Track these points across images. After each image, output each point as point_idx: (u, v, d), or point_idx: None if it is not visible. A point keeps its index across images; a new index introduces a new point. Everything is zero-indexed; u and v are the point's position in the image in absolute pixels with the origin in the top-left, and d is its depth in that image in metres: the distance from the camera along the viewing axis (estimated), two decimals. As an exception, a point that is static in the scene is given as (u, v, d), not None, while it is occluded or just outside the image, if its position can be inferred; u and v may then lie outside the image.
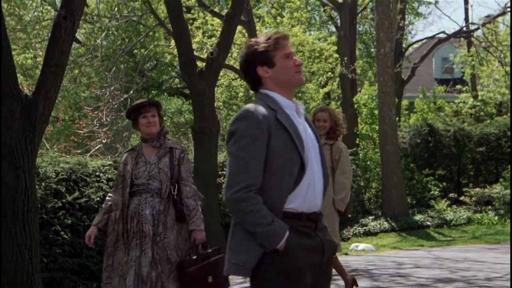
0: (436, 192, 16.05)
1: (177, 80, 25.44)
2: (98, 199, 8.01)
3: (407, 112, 19.24)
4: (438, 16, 63.75)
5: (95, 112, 15.33)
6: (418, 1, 30.70)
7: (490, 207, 15.30)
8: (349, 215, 7.46)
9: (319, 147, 2.99)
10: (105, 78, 17.04)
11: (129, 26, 19.46)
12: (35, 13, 20.34)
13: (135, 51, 22.05)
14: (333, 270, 5.66)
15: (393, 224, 14.00)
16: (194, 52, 13.15)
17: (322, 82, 21.11)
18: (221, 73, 17.18)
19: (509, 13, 19.54)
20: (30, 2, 20.88)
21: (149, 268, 4.68)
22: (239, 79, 19.63)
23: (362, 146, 17.69)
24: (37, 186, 6.68)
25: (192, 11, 20.39)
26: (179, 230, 4.81)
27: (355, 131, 17.73)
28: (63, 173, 7.94)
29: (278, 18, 21.43)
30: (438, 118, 18.22)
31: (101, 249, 5.37)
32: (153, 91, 24.86)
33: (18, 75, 6.66)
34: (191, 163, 5.07)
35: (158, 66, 24.38)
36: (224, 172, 12.61)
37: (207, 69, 10.75)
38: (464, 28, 21.23)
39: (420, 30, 66.04)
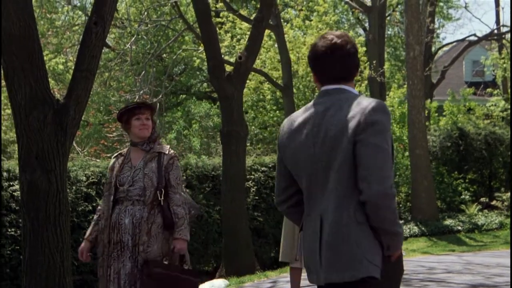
0: (467, 197, 15.85)
1: (205, 84, 25.55)
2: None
3: (437, 114, 19.03)
4: (468, 19, 63.07)
5: (125, 116, 15.45)
6: (448, 4, 30.41)
7: (522, 211, 15.06)
8: None
9: None
10: (134, 82, 17.18)
11: (158, 30, 19.60)
12: (66, 18, 20.60)
13: (164, 55, 22.20)
14: None
15: (423, 228, 13.86)
16: (223, 56, 13.19)
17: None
18: (249, 76, 17.20)
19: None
20: (61, 7, 21.15)
21: (127, 282, 4.38)
22: (267, 82, 19.63)
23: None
24: (68, 190, 6.74)
25: (221, 15, 20.47)
26: (167, 238, 4.47)
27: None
28: (93, 177, 8.02)
29: (307, 21, 21.40)
30: (469, 122, 17.98)
31: None
32: (181, 95, 25.01)
33: (49, 80, 6.75)
34: (180, 169, 4.69)
35: (187, 70, 24.52)
36: (252, 176, 12.61)
37: (235, 73, 10.77)
38: (495, 31, 20.96)
39: (450, 33, 65.41)
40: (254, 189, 12.54)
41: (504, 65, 22.49)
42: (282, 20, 17.94)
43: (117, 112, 4.80)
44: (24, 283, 6.14)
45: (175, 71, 24.22)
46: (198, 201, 12.01)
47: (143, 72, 16.35)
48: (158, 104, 16.05)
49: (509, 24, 21.95)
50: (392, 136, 3.24)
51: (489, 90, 23.83)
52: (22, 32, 6.01)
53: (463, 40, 21.87)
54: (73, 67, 6.80)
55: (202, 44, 13.35)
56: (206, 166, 12.64)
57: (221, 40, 18.53)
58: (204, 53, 12.18)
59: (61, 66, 22.43)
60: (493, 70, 24.40)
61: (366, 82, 20.17)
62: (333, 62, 2.79)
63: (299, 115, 2.86)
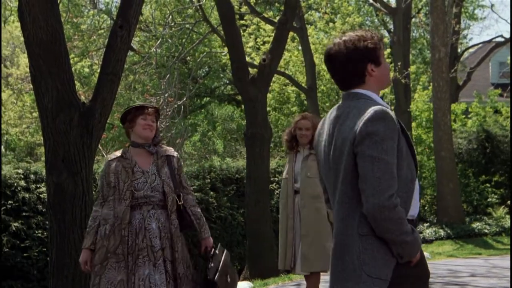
0: (494, 199, 15.66)
1: (229, 87, 25.61)
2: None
3: (464, 116, 18.84)
4: (495, 20, 62.36)
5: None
6: (473, 4, 30.12)
7: (550, 215, 14.84)
8: None
9: None
10: (159, 85, 17.29)
11: (183, 33, 19.70)
12: (92, 22, 20.81)
13: (188, 58, 22.31)
14: None
15: (449, 231, 13.73)
16: (247, 58, 13.21)
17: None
18: (273, 78, 17.21)
19: None
20: (87, 11, 21.38)
21: (165, 286, 4.32)
22: (291, 84, 19.62)
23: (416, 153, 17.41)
24: (94, 192, 6.82)
25: (245, 18, 20.51)
26: (183, 240, 4.52)
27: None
28: (118, 179, 8.05)
29: (330, 23, 21.35)
30: (496, 124, 17.77)
31: None
32: (205, 98, 25.10)
33: (75, 83, 6.82)
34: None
35: (211, 73, 24.60)
36: (276, 179, 12.60)
37: (259, 75, 10.78)
38: (522, 31, 20.69)
39: (476, 34, 64.78)
40: (278, 192, 12.53)
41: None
42: (305, 22, 17.90)
43: (124, 111, 4.66)
44: (51, 284, 6.21)
45: (199, 73, 24.32)
46: (222, 203, 12.06)
47: (168, 75, 16.44)
48: (182, 107, 16.12)
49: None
50: (413, 139, 3.19)
51: (516, 91, 23.54)
52: (49, 37, 6.09)
53: (489, 41, 21.63)
54: (98, 70, 6.87)
55: (226, 47, 13.39)
56: (230, 169, 12.67)
57: (245, 42, 18.56)
58: (228, 55, 12.22)
59: (86, 69, 22.67)
60: (520, 72, 24.10)
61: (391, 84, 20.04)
62: (334, 70, 2.81)
63: (325, 118, 2.88)
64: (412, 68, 20.16)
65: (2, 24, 21.73)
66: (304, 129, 5.88)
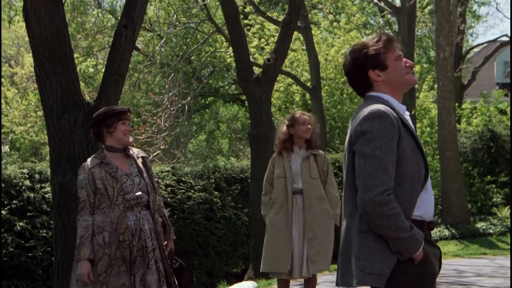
0: (499, 199, 15.62)
1: (233, 86, 25.62)
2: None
3: (471, 115, 18.81)
4: (500, 19, 62.15)
5: (154, 118, 15.59)
6: (478, 3, 30.05)
7: (556, 215, 14.79)
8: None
9: None
10: (164, 84, 17.31)
11: (187, 33, 19.71)
12: (96, 21, 20.84)
13: (192, 57, 22.32)
14: None
15: (453, 231, 13.70)
16: (251, 58, 13.21)
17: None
18: (278, 78, 17.20)
19: None
20: (92, 10, 21.41)
21: (157, 287, 4.38)
22: (295, 84, 19.61)
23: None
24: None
25: (249, 18, 20.50)
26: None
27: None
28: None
29: (335, 23, 21.33)
30: (501, 123, 17.73)
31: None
32: (210, 97, 25.11)
33: (80, 82, 6.83)
34: None
35: (215, 73, 24.61)
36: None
37: (263, 75, 10.77)
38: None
39: (481, 34, 64.58)
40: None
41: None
42: (310, 22, 17.90)
43: (100, 114, 4.52)
44: (56, 284, 6.23)
45: (204, 73, 24.33)
46: (226, 203, 12.06)
47: (172, 74, 16.45)
48: (186, 106, 16.14)
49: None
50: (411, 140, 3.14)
51: (521, 91, 23.49)
52: (54, 37, 6.10)
53: (494, 40, 21.56)
54: (103, 70, 6.87)
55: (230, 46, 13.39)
56: (235, 168, 12.67)
57: (250, 42, 18.56)
58: (233, 55, 12.22)
59: (91, 69, 22.70)
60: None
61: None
62: (348, 78, 2.93)
63: None
64: (417, 68, 20.12)
65: (7, 24, 21.76)
66: (307, 124, 5.81)
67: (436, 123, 16.94)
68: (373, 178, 2.61)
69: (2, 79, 22.17)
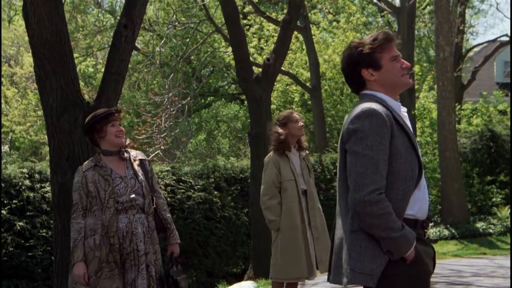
0: (499, 199, 15.63)
1: (233, 86, 25.62)
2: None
3: (472, 115, 18.80)
4: (500, 19, 62.18)
5: (154, 118, 15.59)
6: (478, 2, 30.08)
7: (555, 214, 14.79)
8: None
9: None
10: (163, 84, 17.31)
11: (187, 33, 19.71)
12: (96, 21, 20.84)
13: (192, 57, 22.32)
14: None
15: (453, 231, 13.71)
16: (251, 58, 13.21)
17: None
18: (277, 78, 17.20)
19: None
20: (91, 10, 21.41)
21: None
22: (295, 84, 19.62)
23: (420, 151, 17.40)
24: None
25: (249, 17, 20.50)
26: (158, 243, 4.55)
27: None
28: (123, 179, 8.06)
29: (334, 23, 21.34)
30: (500, 123, 17.74)
31: None
32: (209, 97, 25.11)
33: (79, 82, 6.83)
34: None
35: (215, 72, 24.62)
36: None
37: (263, 75, 10.78)
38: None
39: (481, 33, 64.61)
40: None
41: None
42: (309, 22, 17.90)
43: (89, 121, 4.46)
44: (56, 283, 6.23)
45: (203, 73, 24.33)
46: (226, 203, 12.07)
47: (172, 74, 16.45)
48: (186, 106, 16.13)
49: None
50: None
51: (521, 91, 23.49)
52: (54, 36, 6.10)
53: (494, 40, 21.56)
54: (102, 70, 6.87)
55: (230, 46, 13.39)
56: (234, 168, 12.67)
57: (249, 41, 18.57)
58: (233, 55, 12.22)
59: (91, 69, 22.70)
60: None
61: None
62: (344, 76, 2.92)
63: None
64: (417, 68, 20.12)
65: (7, 24, 21.75)
66: (300, 120, 5.74)
67: (436, 123, 16.95)
68: (364, 177, 2.60)
69: (2, 79, 22.18)
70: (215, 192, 11.93)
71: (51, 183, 6.42)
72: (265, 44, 20.22)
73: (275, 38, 14.10)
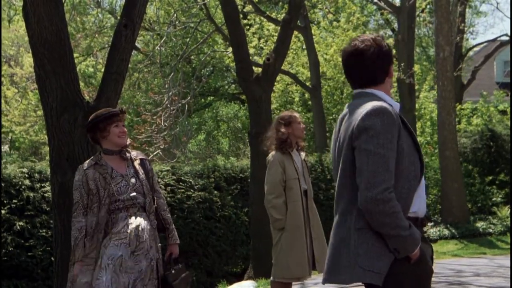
0: (499, 199, 15.63)
1: (233, 86, 25.62)
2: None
3: (472, 114, 18.81)
4: (500, 19, 62.20)
5: (153, 118, 15.59)
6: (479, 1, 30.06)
7: (555, 214, 14.78)
8: None
9: None
10: (163, 84, 17.31)
11: (187, 32, 19.71)
12: (96, 21, 20.84)
13: (192, 57, 22.32)
14: None
15: (453, 231, 13.71)
16: (251, 57, 13.21)
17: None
18: (277, 78, 17.20)
19: None
20: (91, 10, 21.41)
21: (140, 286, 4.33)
22: (295, 84, 19.61)
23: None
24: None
25: (249, 17, 20.50)
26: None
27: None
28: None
29: (334, 23, 21.33)
30: (500, 123, 17.74)
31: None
32: (209, 97, 25.12)
33: (79, 82, 6.83)
34: None
35: (215, 72, 24.62)
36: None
37: (263, 74, 10.78)
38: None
39: (481, 33, 64.61)
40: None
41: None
42: (310, 22, 17.90)
43: (93, 119, 4.50)
44: (56, 283, 6.23)
45: (203, 72, 24.33)
46: (226, 202, 12.07)
47: (172, 74, 16.45)
48: (186, 106, 16.13)
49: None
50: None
51: (521, 90, 23.47)
52: (54, 36, 6.10)
53: (494, 40, 21.56)
54: (102, 70, 6.87)
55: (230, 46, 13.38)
56: (234, 168, 12.67)
57: (249, 41, 18.57)
58: (232, 55, 12.22)
59: (91, 69, 22.70)
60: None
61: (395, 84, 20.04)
62: (355, 67, 2.84)
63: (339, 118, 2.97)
64: (417, 69, 20.11)
65: (7, 24, 21.75)
66: (302, 122, 5.79)
67: (436, 123, 16.95)
68: (376, 175, 2.60)
69: (2, 79, 22.17)
70: (215, 192, 11.93)
71: (51, 183, 6.42)
72: (265, 44, 20.21)
73: (275, 37, 14.10)
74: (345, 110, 2.86)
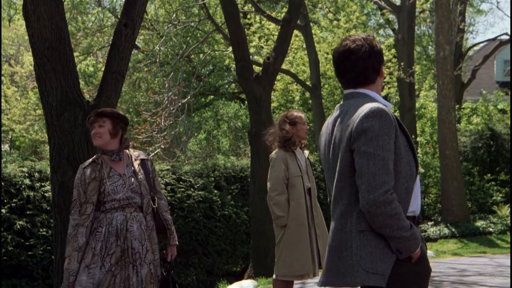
0: (499, 198, 15.63)
1: (233, 85, 25.61)
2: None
3: (472, 113, 18.80)
4: (500, 18, 62.21)
5: (153, 117, 15.58)
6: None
7: (555, 213, 14.79)
8: None
9: None
10: (163, 83, 17.31)
11: (187, 32, 19.70)
12: (96, 20, 20.83)
13: (192, 56, 22.31)
14: None
15: (453, 230, 13.71)
16: (251, 57, 13.20)
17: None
18: (277, 77, 17.20)
19: None
20: (91, 9, 21.40)
21: None
22: (295, 83, 19.61)
23: (420, 151, 17.42)
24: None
25: (249, 16, 20.49)
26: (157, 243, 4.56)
27: (413, 137, 17.45)
28: (123, 178, 8.06)
29: (334, 22, 21.32)
30: (500, 122, 17.74)
31: None
32: (210, 96, 25.11)
33: (79, 81, 6.82)
34: None
35: (215, 71, 24.61)
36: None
37: (263, 74, 10.77)
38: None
39: (481, 32, 64.60)
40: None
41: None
42: (310, 21, 17.89)
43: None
44: (56, 282, 6.23)
45: (204, 72, 24.32)
46: (226, 202, 12.06)
47: (172, 73, 16.44)
48: (186, 105, 16.13)
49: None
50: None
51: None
52: (54, 35, 6.09)
53: (494, 39, 21.54)
54: (103, 69, 6.87)
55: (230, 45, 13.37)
56: (234, 167, 12.67)
57: (249, 40, 18.56)
58: (233, 54, 12.21)
59: (91, 68, 22.69)
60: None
61: (396, 83, 20.04)
62: (347, 67, 2.82)
63: (329, 118, 2.92)
64: (417, 69, 20.10)
65: (7, 23, 21.76)
66: (305, 124, 5.80)
67: (436, 122, 16.95)
68: (377, 178, 2.60)
69: (2, 78, 22.16)
70: (215, 191, 11.93)
71: (51, 182, 6.42)
72: (265, 43, 20.20)
73: (276, 37, 14.10)
74: (337, 111, 2.84)
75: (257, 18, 19.75)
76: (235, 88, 25.55)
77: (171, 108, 15.10)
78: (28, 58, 21.64)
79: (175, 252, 4.64)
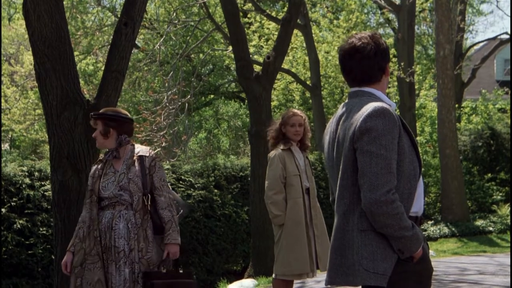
0: (499, 197, 15.63)
1: (233, 84, 25.61)
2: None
3: (472, 113, 18.80)
4: (500, 17, 62.19)
5: (153, 116, 15.58)
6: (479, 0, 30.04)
7: (555, 212, 14.79)
8: None
9: None
10: (163, 82, 17.31)
11: (187, 31, 19.70)
12: (96, 19, 20.83)
13: (192, 55, 22.30)
14: None
15: (453, 229, 13.71)
16: (251, 56, 13.20)
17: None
18: (278, 76, 17.20)
19: None
20: (91, 8, 21.39)
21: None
22: (296, 82, 19.61)
23: (420, 151, 17.43)
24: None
25: (249, 15, 20.49)
26: (159, 243, 4.43)
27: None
28: (123, 177, 8.06)
29: (334, 21, 21.32)
30: (500, 121, 17.74)
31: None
32: (210, 95, 25.11)
33: (79, 80, 6.82)
34: (163, 170, 4.63)
35: (215, 70, 24.61)
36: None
37: (263, 73, 10.77)
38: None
39: (481, 31, 64.65)
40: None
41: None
42: (310, 20, 17.89)
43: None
44: (56, 282, 6.23)
45: (204, 71, 24.31)
46: (226, 201, 12.07)
47: (172, 73, 16.44)
48: (186, 105, 16.13)
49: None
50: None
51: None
52: (54, 34, 6.09)
53: (494, 38, 21.54)
54: (103, 68, 6.87)
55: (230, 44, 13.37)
56: (234, 167, 12.67)
57: (249, 40, 18.56)
58: (233, 53, 12.21)
59: (91, 67, 22.69)
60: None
61: (395, 83, 20.05)
62: (352, 65, 2.81)
63: (333, 116, 2.91)
64: (417, 69, 20.09)
65: (7, 22, 21.75)
66: (298, 126, 5.70)
67: (436, 121, 16.95)
68: (379, 177, 2.60)
69: (2, 77, 22.16)
70: (215, 190, 11.93)
71: (51, 181, 6.42)
72: (265, 42, 20.20)
73: (275, 36, 14.10)
74: (341, 109, 2.83)
75: (257, 17, 19.74)
76: (235, 88, 25.55)
77: (171, 107, 15.10)
78: (28, 57, 21.63)
79: (174, 250, 4.43)
